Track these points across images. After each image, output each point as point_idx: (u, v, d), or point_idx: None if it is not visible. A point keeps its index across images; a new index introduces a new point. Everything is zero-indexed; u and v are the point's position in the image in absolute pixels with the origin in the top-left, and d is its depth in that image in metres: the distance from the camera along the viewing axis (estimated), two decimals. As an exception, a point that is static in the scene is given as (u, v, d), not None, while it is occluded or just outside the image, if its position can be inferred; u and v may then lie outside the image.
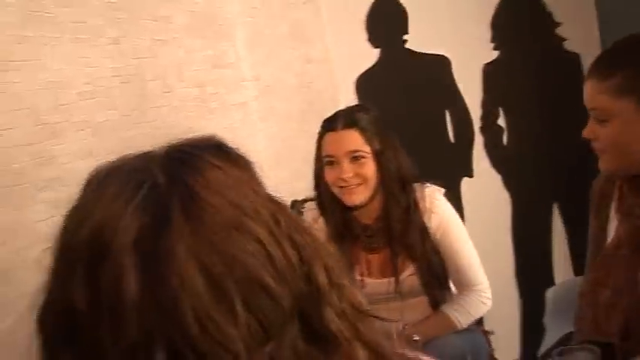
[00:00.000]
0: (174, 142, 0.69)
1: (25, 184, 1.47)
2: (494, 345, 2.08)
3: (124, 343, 0.57)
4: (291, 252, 0.63)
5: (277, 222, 0.64)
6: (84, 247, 0.60)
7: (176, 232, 0.60)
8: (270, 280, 0.60)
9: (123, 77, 1.76)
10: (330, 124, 1.87)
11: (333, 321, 0.65)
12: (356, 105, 2.16)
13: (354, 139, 1.83)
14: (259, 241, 0.61)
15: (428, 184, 1.93)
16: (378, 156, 1.84)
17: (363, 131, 1.83)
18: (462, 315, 1.89)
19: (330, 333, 0.64)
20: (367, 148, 1.83)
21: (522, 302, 2.95)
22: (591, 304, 1.54)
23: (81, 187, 0.67)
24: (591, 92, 1.46)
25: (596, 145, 1.47)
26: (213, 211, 0.61)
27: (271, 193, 0.68)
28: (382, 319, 0.71)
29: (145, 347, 0.57)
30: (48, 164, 1.52)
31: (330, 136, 1.85)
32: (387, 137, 1.87)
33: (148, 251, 0.59)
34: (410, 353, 0.76)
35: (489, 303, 1.93)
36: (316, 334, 0.64)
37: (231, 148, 0.69)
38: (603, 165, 1.51)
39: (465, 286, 1.92)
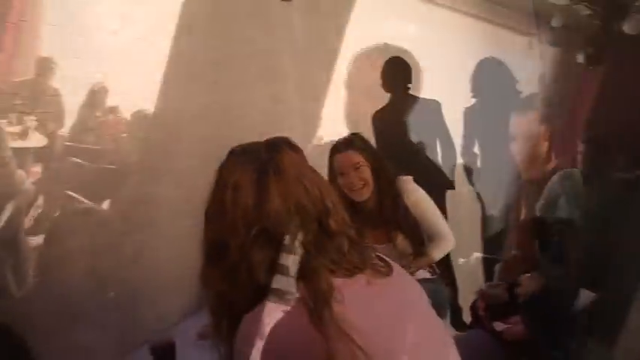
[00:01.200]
0: (270, 138, 0.96)
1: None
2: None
3: (245, 222, 0.89)
4: (318, 192, 0.92)
5: (313, 179, 0.93)
6: (230, 184, 0.91)
7: (271, 182, 0.90)
8: (308, 204, 0.90)
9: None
10: (337, 149, 2.08)
11: (333, 224, 0.91)
12: (350, 134, 2.23)
13: (353, 155, 2.04)
14: (305, 188, 0.91)
15: (402, 176, 2.13)
16: (370, 163, 2.04)
17: (358, 149, 2.04)
18: (435, 251, 2.12)
19: (332, 229, 0.91)
20: (363, 160, 2.03)
21: (484, 275, 2.95)
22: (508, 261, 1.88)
23: (226, 155, 0.95)
24: None
25: None
26: (287, 175, 0.90)
27: (312, 166, 0.95)
28: (352, 226, 0.94)
29: (252, 225, 0.89)
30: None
31: (338, 157, 2.06)
32: (373, 150, 2.09)
33: (258, 190, 0.90)
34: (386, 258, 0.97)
35: (453, 242, 2.14)
36: (325, 229, 0.91)
37: (295, 144, 0.97)
38: None
39: (435, 236, 2.13)
